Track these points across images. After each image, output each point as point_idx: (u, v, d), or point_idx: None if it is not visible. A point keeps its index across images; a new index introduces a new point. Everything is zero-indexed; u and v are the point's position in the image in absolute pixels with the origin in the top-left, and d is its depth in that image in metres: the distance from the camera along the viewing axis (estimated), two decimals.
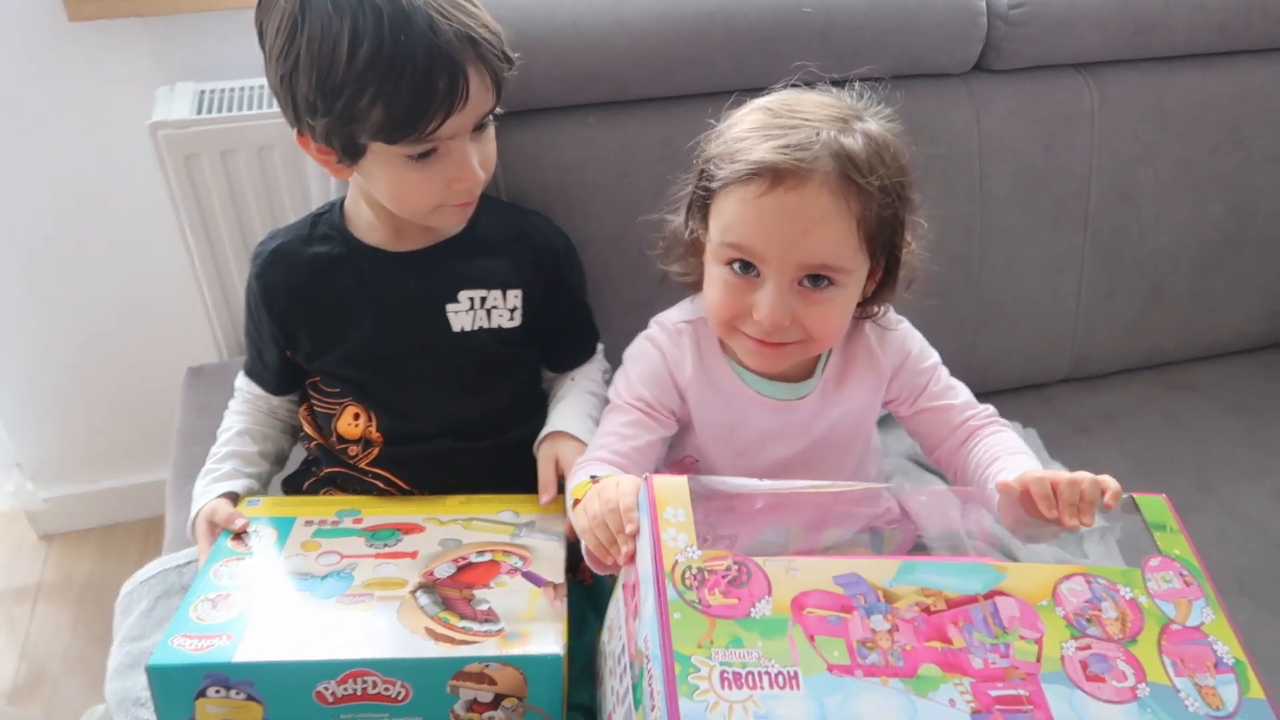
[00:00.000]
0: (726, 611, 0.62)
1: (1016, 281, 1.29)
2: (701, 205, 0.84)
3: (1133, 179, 1.28)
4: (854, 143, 0.77)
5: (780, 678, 0.59)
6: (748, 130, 0.80)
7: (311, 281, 0.95)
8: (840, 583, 0.65)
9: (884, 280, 0.87)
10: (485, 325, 0.97)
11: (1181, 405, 1.36)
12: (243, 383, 1.04)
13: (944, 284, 1.24)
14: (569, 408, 0.99)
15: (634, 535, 0.69)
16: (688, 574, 0.64)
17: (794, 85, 0.87)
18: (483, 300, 0.96)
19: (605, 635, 0.80)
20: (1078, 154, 1.26)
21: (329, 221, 0.97)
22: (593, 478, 0.85)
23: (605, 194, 1.12)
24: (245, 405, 1.04)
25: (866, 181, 0.76)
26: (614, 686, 0.75)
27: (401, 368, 0.96)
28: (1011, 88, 1.23)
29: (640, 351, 0.94)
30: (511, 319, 0.97)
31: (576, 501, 0.79)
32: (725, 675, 0.59)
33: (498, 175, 1.09)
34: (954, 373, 0.98)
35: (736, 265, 0.80)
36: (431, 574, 0.82)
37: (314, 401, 1.00)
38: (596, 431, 0.93)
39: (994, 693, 0.61)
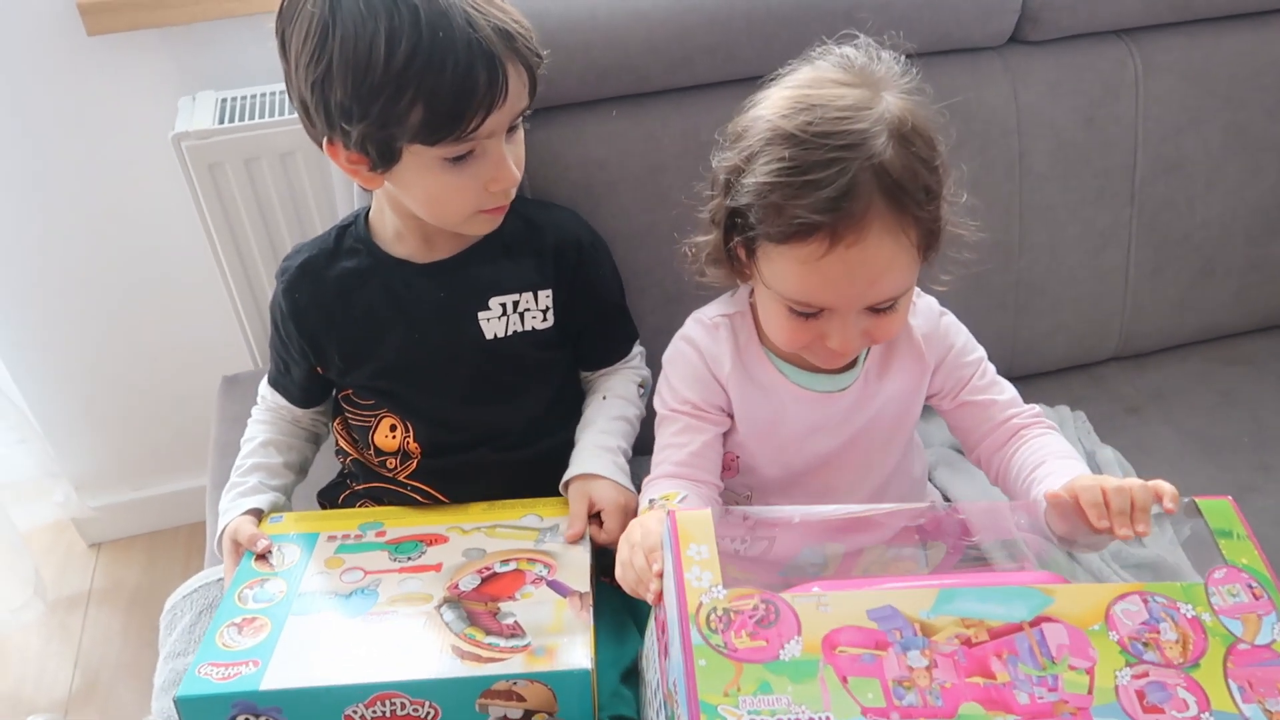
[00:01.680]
0: (754, 655, 0.59)
1: (1059, 261, 1.24)
2: (746, 244, 0.79)
3: (1180, 149, 1.23)
4: (891, 157, 0.72)
5: None
6: (780, 171, 0.73)
7: (340, 298, 0.94)
8: (874, 617, 0.61)
9: (930, 257, 0.82)
10: (520, 329, 0.95)
11: (1237, 380, 1.30)
12: (267, 391, 1.04)
13: (982, 266, 1.20)
14: (590, 445, 0.96)
15: (660, 575, 0.67)
16: (713, 616, 0.60)
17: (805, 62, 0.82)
18: (515, 305, 0.95)
19: (643, 657, 0.78)
20: (1121, 125, 1.21)
21: (355, 234, 0.96)
22: (650, 501, 0.84)
23: (632, 189, 1.10)
24: (269, 414, 1.03)
25: (919, 208, 0.73)
26: (650, 717, 0.74)
27: (436, 378, 0.95)
28: (1050, 59, 1.18)
29: (677, 354, 0.92)
30: (545, 320, 0.96)
31: None
32: None
33: (523, 175, 1.07)
34: (995, 358, 0.94)
35: (799, 307, 0.78)
36: (456, 586, 0.82)
37: (349, 414, 1.00)
38: (655, 445, 0.91)
39: None
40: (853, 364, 0.89)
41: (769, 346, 0.89)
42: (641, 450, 0.99)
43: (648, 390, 1.04)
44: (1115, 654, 0.61)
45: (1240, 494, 1.14)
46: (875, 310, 0.78)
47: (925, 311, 0.91)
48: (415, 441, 0.96)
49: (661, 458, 0.88)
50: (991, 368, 0.93)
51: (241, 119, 1.27)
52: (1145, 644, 0.61)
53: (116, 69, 1.31)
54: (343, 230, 0.97)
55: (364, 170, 0.86)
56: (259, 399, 1.05)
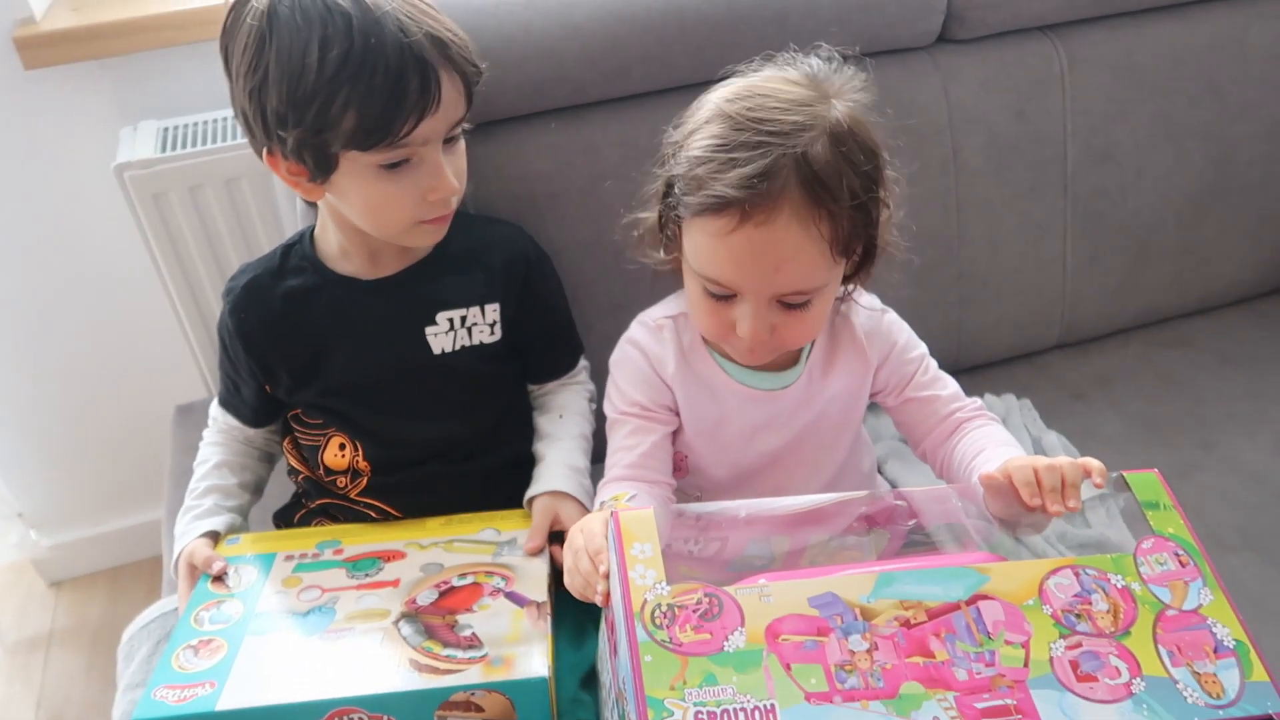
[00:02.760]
0: (699, 648, 0.60)
1: (998, 254, 1.27)
2: (675, 222, 0.82)
3: (1109, 139, 1.26)
4: (820, 154, 0.74)
5: (757, 713, 0.57)
6: (709, 148, 0.76)
7: (286, 317, 0.94)
8: (815, 604, 0.62)
9: (861, 262, 0.85)
10: (467, 344, 0.96)
11: (1177, 362, 1.34)
12: (218, 412, 1.04)
13: (923, 263, 1.22)
14: (559, 462, 0.97)
15: (606, 576, 0.68)
16: (657, 612, 0.61)
17: (759, 60, 0.84)
18: (462, 319, 0.95)
19: (598, 658, 0.79)
20: (1051, 119, 1.24)
21: (300, 252, 0.96)
22: (601, 504, 0.86)
23: (574, 200, 1.11)
24: (221, 436, 1.03)
25: (837, 204, 0.74)
26: (606, 717, 0.75)
27: (383, 395, 0.95)
28: (978, 57, 1.21)
29: (623, 357, 0.93)
30: (492, 334, 0.96)
31: None
32: (700, 717, 0.57)
33: (466, 190, 1.08)
34: (941, 350, 0.97)
35: (713, 288, 0.80)
36: (414, 601, 0.82)
37: (298, 434, 1.00)
38: (608, 450, 0.92)
39: (980, 705, 0.58)
40: (795, 362, 0.91)
41: (713, 346, 0.90)
42: (594, 459, 1.00)
43: (596, 405, 1.05)
44: (1049, 627, 0.62)
45: (1185, 472, 1.18)
46: (786, 306, 0.79)
47: (867, 310, 0.93)
48: (364, 459, 0.96)
49: (613, 461, 0.89)
50: (933, 363, 0.95)
51: (184, 147, 1.27)
52: (1078, 615, 0.63)
53: (56, 102, 1.30)
54: (288, 249, 0.97)
55: (304, 181, 0.87)
56: (210, 421, 1.05)
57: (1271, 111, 1.32)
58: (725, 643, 0.60)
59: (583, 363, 1.08)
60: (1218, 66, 1.28)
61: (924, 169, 1.20)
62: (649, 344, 0.91)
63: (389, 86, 0.79)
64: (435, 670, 0.74)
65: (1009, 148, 1.23)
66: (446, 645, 0.77)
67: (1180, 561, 0.66)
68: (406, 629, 0.79)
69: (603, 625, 0.74)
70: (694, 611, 0.61)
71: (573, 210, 1.11)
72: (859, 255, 0.83)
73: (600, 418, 0.98)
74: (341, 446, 0.97)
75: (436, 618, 0.80)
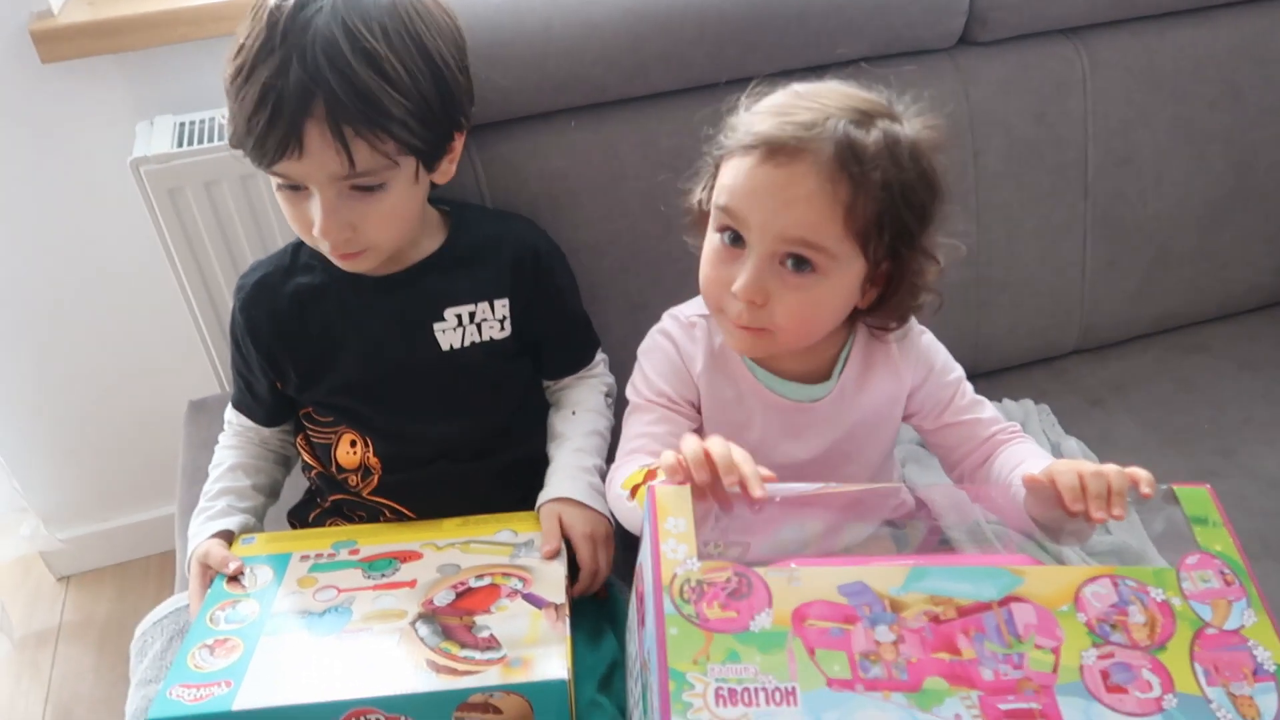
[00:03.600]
0: (724, 625, 0.60)
1: (1017, 257, 1.26)
2: (712, 173, 0.84)
3: (1130, 143, 1.26)
4: (864, 135, 0.75)
5: (777, 694, 0.57)
6: (767, 107, 0.80)
7: (296, 315, 0.94)
8: (845, 592, 0.62)
9: (888, 290, 0.83)
10: (477, 340, 0.95)
11: (1195, 368, 1.33)
12: (232, 415, 1.04)
13: (941, 266, 1.22)
14: (568, 464, 0.95)
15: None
16: (686, 587, 0.62)
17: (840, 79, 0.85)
18: (471, 315, 0.95)
19: (627, 631, 0.80)
20: (1072, 122, 1.23)
21: (309, 250, 0.96)
22: (645, 468, 0.84)
23: (592, 199, 1.11)
24: (236, 439, 1.03)
25: (861, 171, 0.74)
26: (632, 687, 0.75)
27: (393, 392, 0.95)
28: (999, 59, 1.20)
29: (653, 346, 0.93)
30: (502, 329, 0.96)
31: (634, 491, 0.80)
32: (720, 692, 0.57)
33: (483, 189, 1.08)
34: (958, 354, 0.96)
35: (727, 235, 0.80)
36: (431, 602, 0.81)
37: (310, 432, 1.00)
38: (623, 435, 0.92)
39: (1004, 706, 0.58)
40: (828, 376, 0.89)
41: (727, 338, 0.89)
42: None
43: (614, 399, 1.04)
44: (1082, 634, 0.62)
45: (1203, 478, 1.15)
46: (788, 269, 0.78)
47: (904, 330, 0.91)
48: (375, 456, 0.96)
49: (635, 445, 0.88)
50: (970, 386, 0.93)
51: (200, 142, 1.26)
52: (1113, 626, 0.62)
53: (72, 96, 1.30)
54: (299, 246, 0.97)
55: None
56: (225, 424, 1.05)
57: None
58: (751, 622, 0.60)
59: (600, 356, 1.07)
60: (1238, 71, 1.27)
61: (943, 171, 1.19)
62: (681, 338, 0.91)
63: (248, 115, 0.79)
64: (454, 671, 0.73)
65: (1029, 151, 1.22)
66: (464, 646, 0.76)
67: (1225, 580, 0.65)
68: (424, 630, 0.78)
69: (632, 596, 0.74)
70: (722, 589, 0.62)
71: (591, 209, 1.11)
72: (885, 275, 0.82)
73: (619, 405, 0.98)
74: (353, 444, 0.97)
75: (454, 619, 0.79)
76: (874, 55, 1.15)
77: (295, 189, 0.84)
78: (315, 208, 0.84)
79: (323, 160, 0.81)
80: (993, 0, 1.16)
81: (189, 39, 1.28)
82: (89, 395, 1.56)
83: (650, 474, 0.81)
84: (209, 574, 0.90)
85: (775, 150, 0.76)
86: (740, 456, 0.69)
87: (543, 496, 0.93)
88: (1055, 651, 0.61)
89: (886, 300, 0.84)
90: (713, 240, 0.82)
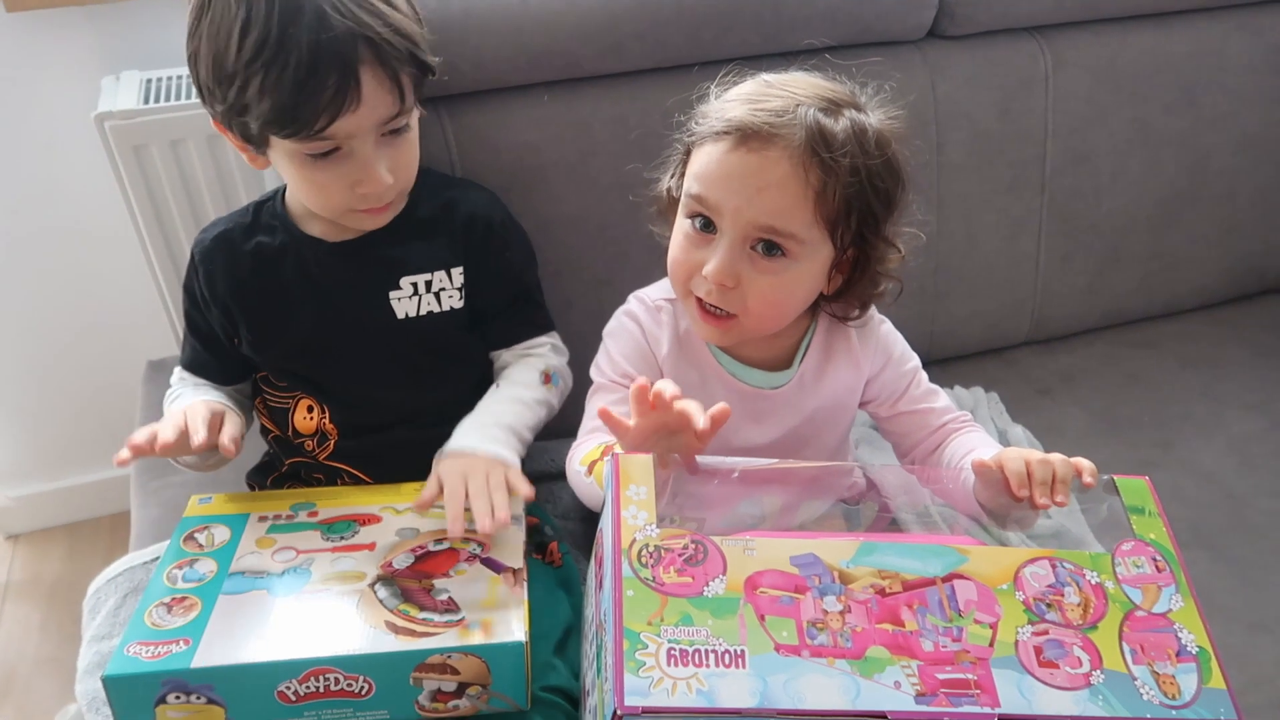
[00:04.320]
0: (679, 590, 0.63)
1: (975, 248, 1.29)
2: (683, 161, 0.85)
3: (1088, 141, 1.29)
4: (832, 123, 0.77)
5: (727, 656, 0.60)
6: (737, 94, 0.82)
7: (254, 273, 0.93)
8: (796, 563, 0.65)
9: (854, 276, 0.86)
10: (435, 309, 0.95)
11: (1140, 363, 1.37)
12: (188, 378, 1.00)
13: (902, 254, 1.25)
14: (461, 427, 0.93)
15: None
16: (644, 552, 0.64)
17: (805, 69, 0.87)
18: (428, 284, 0.95)
19: (585, 596, 0.82)
20: (1033, 118, 1.26)
21: (271, 210, 0.95)
22: (604, 445, 0.86)
23: (563, 173, 1.11)
24: (191, 387, 0.99)
25: (832, 157, 0.76)
26: (586, 650, 0.77)
27: (348, 359, 0.95)
28: (966, 54, 1.23)
29: (619, 327, 0.94)
30: (460, 299, 0.96)
31: (592, 467, 0.83)
32: (673, 652, 0.59)
33: (453, 158, 1.08)
34: (914, 341, 0.98)
35: (698, 221, 0.82)
36: (390, 565, 0.82)
37: (267, 395, 0.99)
38: (585, 414, 0.93)
39: (941, 676, 0.61)
40: (789, 364, 0.91)
41: (695, 326, 0.91)
42: (566, 434, 0.99)
43: (559, 381, 1.01)
44: (1019, 612, 0.65)
45: (1143, 469, 1.19)
46: (759, 254, 0.79)
47: (864, 318, 0.93)
48: (331, 423, 0.96)
49: (596, 424, 0.89)
50: (925, 375, 0.96)
51: (167, 100, 1.24)
52: (1048, 605, 0.65)
53: (37, 47, 1.27)
54: (260, 206, 0.96)
55: (249, 150, 0.87)
56: (173, 385, 1.01)
57: (1243, 124, 1.35)
58: (705, 588, 0.63)
59: (546, 339, 1.04)
60: (1195, 76, 1.31)
61: (907, 161, 1.21)
62: (646, 321, 0.92)
63: (300, 81, 0.77)
64: (412, 633, 0.74)
65: (991, 145, 1.25)
66: (423, 609, 0.77)
67: (1157, 567, 0.69)
68: (383, 592, 0.79)
69: (591, 562, 0.76)
70: (679, 555, 0.64)
71: (560, 184, 1.11)
72: (850, 262, 0.84)
73: (578, 392, 0.99)
74: (310, 409, 0.97)
75: (413, 582, 0.80)
76: (845, 44, 1.16)
77: (326, 156, 0.83)
78: (355, 166, 0.84)
79: (376, 105, 0.81)
80: None
81: None
82: (44, 352, 1.53)
83: (607, 449, 0.82)
84: (215, 421, 0.87)
85: (748, 136, 0.77)
86: (694, 405, 0.72)
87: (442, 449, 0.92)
88: (993, 627, 0.64)
89: (851, 287, 0.86)
90: (683, 225, 0.83)
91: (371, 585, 0.80)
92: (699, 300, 0.84)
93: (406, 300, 0.94)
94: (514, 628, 0.76)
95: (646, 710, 0.57)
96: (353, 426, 0.96)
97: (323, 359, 0.95)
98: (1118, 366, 1.36)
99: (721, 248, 0.80)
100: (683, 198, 0.83)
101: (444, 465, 0.88)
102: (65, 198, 1.40)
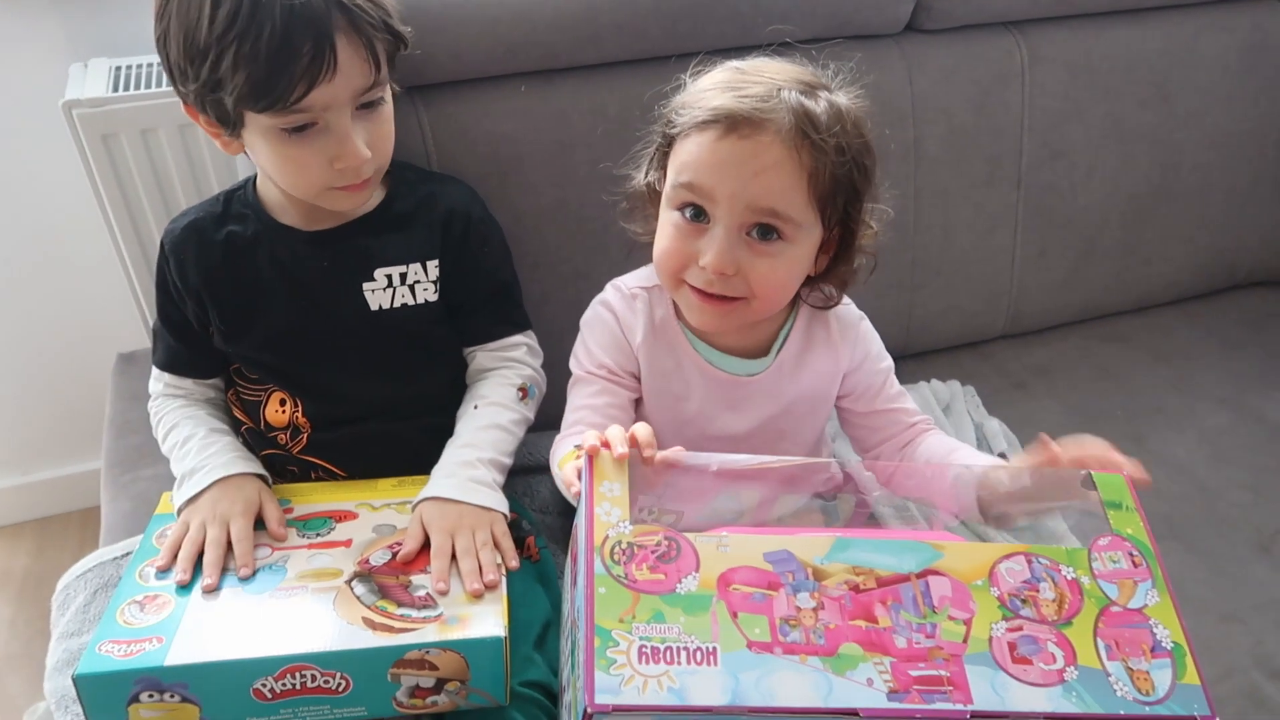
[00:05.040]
0: (652, 587, 0.62)
1: (951, 242, 1.30)
2: (662, 154, 0.85)
3: (1063, 136, 1.30)
4: (815, 105, 0.78)
5: (699, 654, 0.60)
6: (713, 83, 0.82)
7: (226, 263, 0.92)
8: (770, 559, 0.65)
9: (838, 255, 0.86)
10: (410, 302, 0.94)
11: (1114, 357, 1.39)
12: (165, 380, 0.99)
13: (879, 247, 1.25)
14: (446, 464, 0.91)
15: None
16: (617, 549, 0.64)
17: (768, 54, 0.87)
18: (402, 277, 0.94)
19: (563, 593, 0.81)
20: (1010, 113, 1.27)
21: (242, 199, 0.94)
22: (577, 447, 0.85)
23: (540, 164, 1.11)
24: (181, 403, 0.98)
25: (821, 138, 0.77)
26: (563, 645, 0.76)
27: (320, 351, 0.94)
28: (943, 48, 1.23)
29: (594, 317, 0.94)
30: (435, 292, 0.95)
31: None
32: (644, 650, 0.59)
33: (429, 149, 1.07)
34: (891, 335, 1.00)
35: (688, 211, 0.81)
36: (367, 561, 0.82)
37: (240, 388, 0.98)
38: (567, 407, 0.92)
39: (914, 673, 0.61)
40: (766, 352, 0.91)
41: (684, 323, 0.91)
42: (546, 427, 0.99)
43: (535, 392, 1.00)
44: (994, 608, 0.65)
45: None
46: (754, 239, 0.80)
47: (844, 312, 0.94)
48: (304, 416, 0.95)
49: (576, 417, 0.90)
50: (895, 377, 0.97)
51: (137, 88, 1.23)
52: (1023, 600, 0.65)
53: (3, 33, 1.25)
54: (230, 195, 0.95)
55: (221, 134, 0.85)
56: (155, 397, 0.99)
57: (1216, 120, 1.36)
58: (678, 585, 0.62)
59: (522, 340, 1.02)
60: (1168, 73, 1.32)
61: (885, 155, 1.18)
62: (621, 309, 0.92)
63: (275, 50, 0.76)
64: (390, 629, 0.74)
65: (968, 139, 1.25)
66: (401, 604, 0.77)
67: (1134, 561, 0.69)
68: (360, 588, 0.78)
69: (568, 558, 0.76)
70: (652, 552, 0.64)
71: (538, 175, 1.11)
72: (835, 242, 0.85)
73: (557, 384, 0.98)
74: (282, 402, 0.96)
75: (390, 578, 0.80)
76: (823, 37, 1.16)
77: (302, 130, 0.82)
78: (331, 141, 0.83)
79: (351, 74, 0.80)
80: None
81: None
82: (12, 345, 1.51)
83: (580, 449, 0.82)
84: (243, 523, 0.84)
85: (737, 123, 0.77)
86: (645, 432, 0.71)
87: (419, 494, 0.89)
88: (967, 623, 0.63)
89: (835, 266, 0.87)
90: (672, 217, 0.83)
91: (348, 582, 0.79)
92: (694, 288, 0.83)
93: (380, 292, 0.93)
94: (492, 623, 0.75)
95: (617, 709, 0.57)
96: (325, 420, 0.95)
97: (295, 350, 0.94)
98: (1091, 360, 1.38)
99: (717, 236, 0.79)
100: (669, 189, 0.82)
101: (428, 514, 0.86)
102: (32, 187, 1.37)
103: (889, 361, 0.97)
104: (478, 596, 0.78)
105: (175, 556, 0.82)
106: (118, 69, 1.25)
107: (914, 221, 1.26)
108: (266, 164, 0.87)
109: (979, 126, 1.25)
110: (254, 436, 0.98)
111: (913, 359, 1.34)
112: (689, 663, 0.59)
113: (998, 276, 1.35)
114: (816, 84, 0.82)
